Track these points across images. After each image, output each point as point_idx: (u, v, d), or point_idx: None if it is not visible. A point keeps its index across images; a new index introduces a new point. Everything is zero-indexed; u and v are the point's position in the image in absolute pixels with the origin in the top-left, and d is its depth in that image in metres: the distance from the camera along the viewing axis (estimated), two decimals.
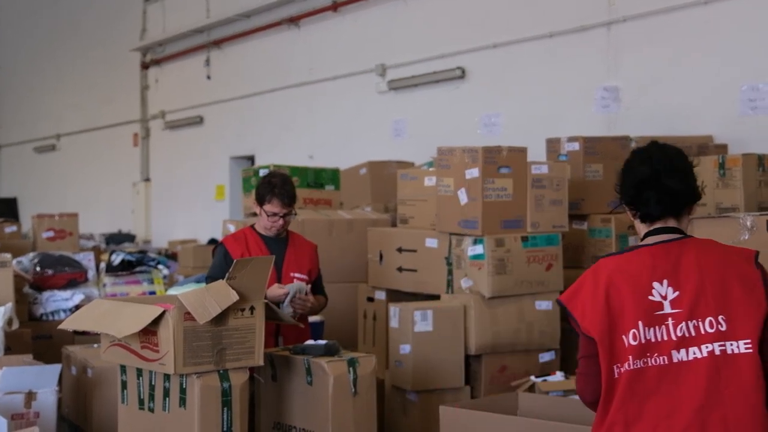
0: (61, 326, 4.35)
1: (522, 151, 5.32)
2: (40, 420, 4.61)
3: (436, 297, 5.44)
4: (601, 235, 5.80)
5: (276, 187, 4.77)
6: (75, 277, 7.22)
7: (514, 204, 5.25)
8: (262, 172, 6.38)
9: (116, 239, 13.62)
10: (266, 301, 4.16)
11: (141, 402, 4.09)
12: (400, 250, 5.69)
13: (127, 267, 7.31)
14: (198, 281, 7.42)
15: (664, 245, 2.62)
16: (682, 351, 2.52)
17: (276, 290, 4.66)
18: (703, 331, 2.53)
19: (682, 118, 7.33)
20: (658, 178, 2.63)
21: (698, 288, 2.55)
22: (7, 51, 20.63)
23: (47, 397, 4.66)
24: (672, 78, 7.59)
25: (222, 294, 3.91)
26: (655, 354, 2.53)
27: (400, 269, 5.68)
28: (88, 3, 17.22)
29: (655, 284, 2.57)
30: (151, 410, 4.05)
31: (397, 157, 8.69)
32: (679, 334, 2.53)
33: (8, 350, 5.76)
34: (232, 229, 6.45)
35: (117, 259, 7.34)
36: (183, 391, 3.93)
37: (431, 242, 5.49)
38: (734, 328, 2.52)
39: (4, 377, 4.61)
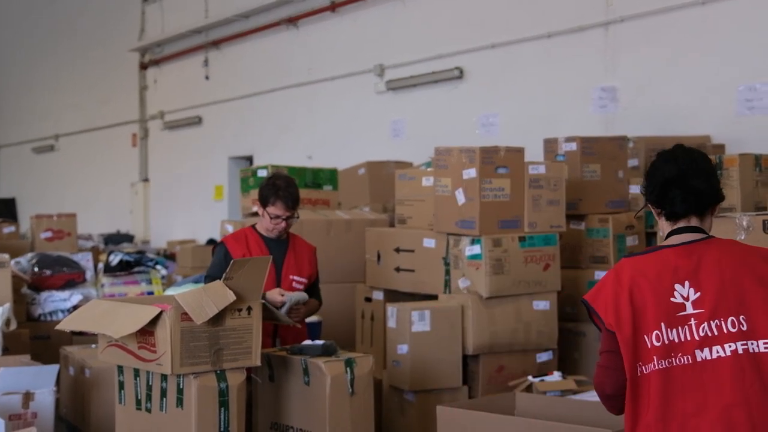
0: (58, 326, 4.35)
1: (519, 152, 5.32)
2: (37, 420, 4.61)
3: (434, 297, 5.44)
4: (599, 235, 5.80)
5: (280, 189, 4.75)
6: (73, 278, 7.22)
7: (512, 204, 5.26)
8: (261, 173, 6.38)
9: (115, 239, 13.62)
10: (263, 301, 4.16)
11: (138, 402, 4.10)
12: (397, 250, 5.69)
13: (125, 267, 7.32)
14: (196, 281, 7.41)
15: (686, 246, 2.69)
16: (706, 350, 2.59)
17: (276, 296, 4.64)
18: (725, 331, 2.59)
19: (680, 118, 7.34)
20: (683, 177, 2.71)
21: (719, 288, 2.62)
22: (6, 51, 20.63)
23: (45, 398, 4.67)
24: (669, 78, 7.59)
25: (219, 294, 3.91)
26: (680, 354, 2.60)
27: (397, 269, 5.69)
28: (87, 3, 17.23)
29: (677, 286, 2.64)
30: (149, 410, 4.05)
31: (396, 158, 8.70)
32: (701, 334, 2.59)
33: (6, 351, 5.77)
34: (230, 229, 6.45)
35: (115, 259, 7.34)
36: (180, 391, 3.93)
37: (429, 242, 5.49)
38: (755, 328, 2.59)
39: (1, 378, 4.61)
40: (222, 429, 3.96)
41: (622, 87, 7.97)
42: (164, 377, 3.96)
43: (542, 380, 4.86)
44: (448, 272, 5.39)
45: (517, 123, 8.78)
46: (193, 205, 14.09)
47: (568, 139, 5.89)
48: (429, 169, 5.86)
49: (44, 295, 7.02)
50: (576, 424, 3.84)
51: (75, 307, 6.76)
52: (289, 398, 4.39)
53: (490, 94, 9.24)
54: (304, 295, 4.78)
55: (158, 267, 7.49)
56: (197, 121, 14.09)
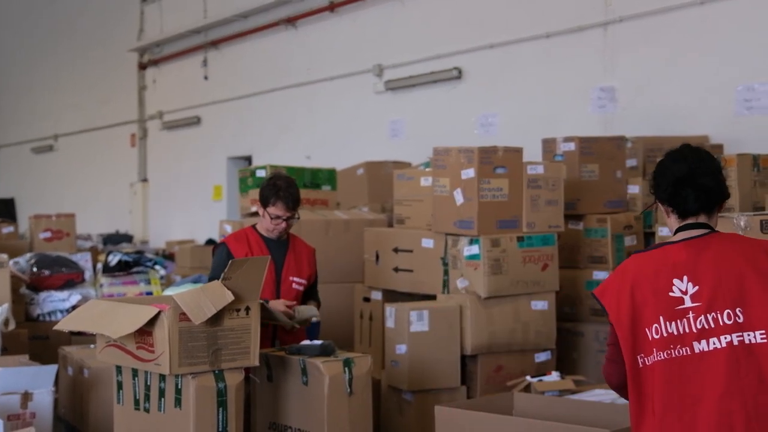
0: (57, 327, 4.36)
1: (517, 152, 5.33)
2: (36, 420, 4.61)
3: (432, 297, 5.44)
4: (597, 235, 5.81)
5: (281, 189, 4.74)
6: (72, 278, 7.21)
7: (510, 204, 5.26)
8: (259, 173, 6.38)
9: (114, 240, 13.62)
10: (262, 301, 4.16)
11: (136, 402, 4.10)
12: (396, 250, 5.69)
13: (124, 267, 7.30)
14: (195, 281, 7.41)
15: (688, 242, 2.79)
16: (703, 342, 2.67)
17: (279, 306, 4.61)
18: (721, 323, 2.67)
19: (678, 118, 7.34)
20: (694, 176, 2.79)
21: (716, 281, 2.71)
22: (5, 51, 20.62)
23: (43, 398, 4.66)
24: (668, 78, 7.60)
25: (217, 294, 3.91)
26: (678, 345, 2.69)
27: (396, 269, 5.69)
28: (86, 4, 17.23)
29: (676, 281, 2.73)
30: (147, 411, 4.06)
31: (395, 158, 8.70)
32: (699, 327, 2.68)
33: (5, 351, 5.76)
34: (228, 229, 6.45)
35: (114, 259, 7.33)
36: (178, 391, 3.93)
37: (427, 242, 5.49)
38: (751, 320, 2.67)
39: (0, 378, 4.61)
40: (220, 429, 3.96)
41: (620, 87, 7.97)
42: (162, 377, 3.96)
43: (540, 380, 4.86)
44: (446, 272, 5.39)
45: (515, 123, 8.78)
46: (192, 206, 14.10)
47: (567, 139, 5.90)
48: (427, 169, 5.86)
49: (43, 295, 7.01)
50: (574, 424, 3.84)
51: (74, 307, 6.75)
52: (287, 398, 4.39)
53: (489, 94, 9.24)
54: (313, 311, 4.77)
55: (157, 267, 7.47)
56: (196, 121, 14.09)
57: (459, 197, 5.23)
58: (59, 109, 18.41)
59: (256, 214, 5.14)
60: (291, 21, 11.87)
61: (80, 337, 6.15)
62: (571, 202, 5.76)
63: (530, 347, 5.40)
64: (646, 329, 2.72)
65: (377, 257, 5.81)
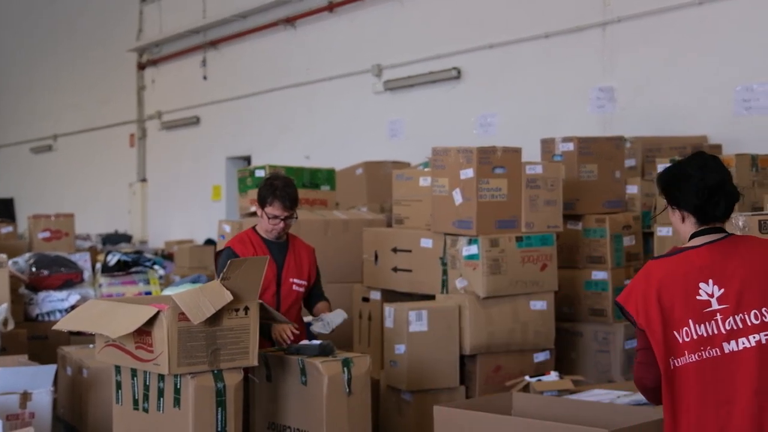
0: (55, 326, 4.36)
1: (516, 152, 5.33)
2: (35, 420, 4.61)
3: (431, 297, 5.45)
4: (596, 235, 5.81)
5: (278, 189, 4.72)
6: (71, 278, 7.21)
7: (509, 204, 5.27)
8: (258, 173, 6.38)
9: (113, 239, 13.62)
10: (260, 301, 4.16)
11: (135, 402, 4.10)
12: (395, 250, 5.70)
13: (122, 267, 7.31)
14: (194, 281, 7.42)
15: (710, 246, 2.89)
16: (732, 342, 2.79)
17: (287, 332, 4.52)
18: (749, 323, 2.79)
19: (677, 118, 7.35)
20: (724, 185, 2.92)
21: (742, 283, 2.82)
22: (4, 51, 20.62)
23: (42, 398, 4.66)
24: (667, 78, 7.61)
25: (216, 294, 3.91)
26: (708, 347, 2.80)
27: (395, 269, 5.69)
28: (85, 4, 17.23)
29: (702, 285, 2.84)
30: (146, 410, 4.06)
31: (394, 158, 8.71)
32: (728, 328, 2.80)
33: (4, 351, 5.77)
34: (227, 229, 6.45)
35: (113, 259, 7.33)
36: (177, 391, 3.93)
37: (426, 242, 5.50)
38: None
39: None
40: (219, 429, 3.96)
41: (619, 87, 7.98)
42: (161, 377, 3.97)
43: (539, 380, 4.86)
44: (445, 272, 5.39)
45: (515, 123, 8.79)
46: (191, 206, 14.10)
47: (566, 139, 5.90)
48: (426, 170, 5.87)
49: (42, 295, 7.02)
50: (573, 424, 3.84)
51: (72, 307, 6.75)
52: (286, 398, 4.39)
53: (488, 94, 9.25)
54: (341, 314, 4.76)
55: (156, 267, 7.48)
56: (195, 121, 14.09)
57: (458, 197, 5.23)
58: (58, 109, 18.41)
59: (255, 214, 5.13)
60: (290, 21, 11.88)
61: (79, 337, 6.15)
62: (570, 202, 5.77)
63: (529, 347, 5.40)
64: (675, 332, 2.82)
65: (376, 257, 5.82)
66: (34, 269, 7.09)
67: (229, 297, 3.92)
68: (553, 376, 4.94)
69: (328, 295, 5.13)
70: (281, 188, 4.73)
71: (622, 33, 7.97)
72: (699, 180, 2.91)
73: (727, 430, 2.77)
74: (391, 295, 5.68)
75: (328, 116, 11.43)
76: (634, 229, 5.94)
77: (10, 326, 5.76)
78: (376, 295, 5.81)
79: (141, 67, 15.52)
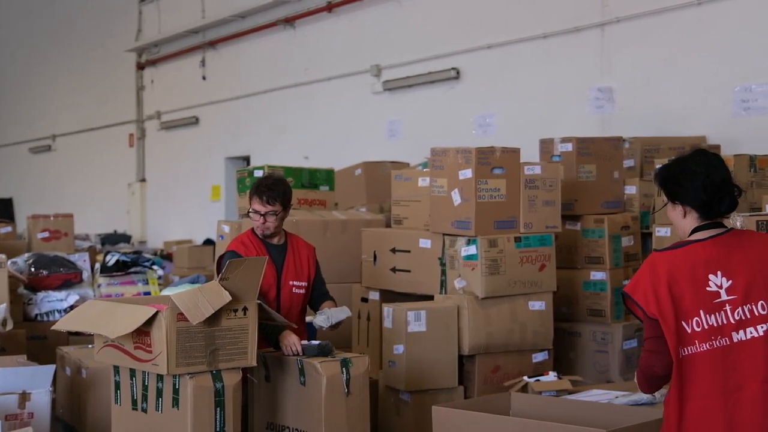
0: (54, 327, 4.36)
1: (515, 152, 5.33)
2: (34, 420, 4.61)
3: (430, 297, 5.45)
4: (594, 235, 5.82)
5: (260, 185, 4.71)
6: (70, 278, 7.21)
7: (507, 204, 5.27)
8: (257, 173, 6.38)
9: (112, 240, 13.63)
10: (259, 301, 4.16)
11: (134, 402, 4.10)
12: (393, 250, 5.70)
13: (121, 268, 7.30)
14: (193, 282, 7.43)
15: (714, 240, 2.99)
16: (741, 332, 2.91)
17: (295, 343, 4.48)
18: (756, 313, 2.92)
19: (676, 118, 7.36)
20: (728, 182, 3.03)
21: (749, 275, 2.94)
22: (4, 51, 20.62)
23: (41, 398, 4.66)
24: (665, 79, 7.61)
25: (215, 294, 3.92)
26: (719, 336, 2.91)
27: (394, 270, 5.69)
28: (84, 4, 17.23)
29: (711, 276, 2.94)
30: (144, 411, 4.06)
31: (393, 158, 8.71)
32: (736, 318, 2.92)
33: (3, 351, 5.77)
34: (226, 229, 6.45)
35: (112, 259, 7.33)
36: (176, 391, 3.94)
37: (425, 243, 5.50)
38: None
39: None
40: (218, 429, 3.97)
41: (618, 87, 7.99)
42: (160, 377, 3.97)
43: (538, 380, 4.86)
44: (444, 272, 5.40)
45: (513, 123, 8.79)
46: (190, 206, 14.10)
47: (564, 140, 5.90)
48: (425, 170, 5.87)
49: (41, 295, 7.02)
50: (571, 424, 3.84)
51: (71, 308, 6.76)
52: (285, 398, 4.40)
53: (487, 94, 9.26)
54: (345, 311, 4.75)
55: (155, 267, 7.48)
56: (194, 121, 14.10)
57: (456, 197, 5.24)
58: (57, 109, 18.41)
59: None
60: (289, 21, 11.88)
61: (78, 337, 6.15)
62: (569, 203, 5.77)
63: (527, 347, 5.41)
64: (683, 322, 2.92)
65: (375, 257, 5.82)
66: (33, 269, 7.09)
67: (227, 297, 3.92)
68: (551, 376, 4.94)
69: None
70: (263, 184, 4.72)
71: (621, 33, 7.97)
72: (705, 177, 2.99)
73: (736, 417, 2.87)
74: (390, 296, 5.68)
75: (327, 116, 11.43)
76: (633, 229, 5.94)
77: (9, 326, 5.77)
78: (374, 296, 5.81)
79: (140, 67, 15.52)
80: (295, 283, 4.82)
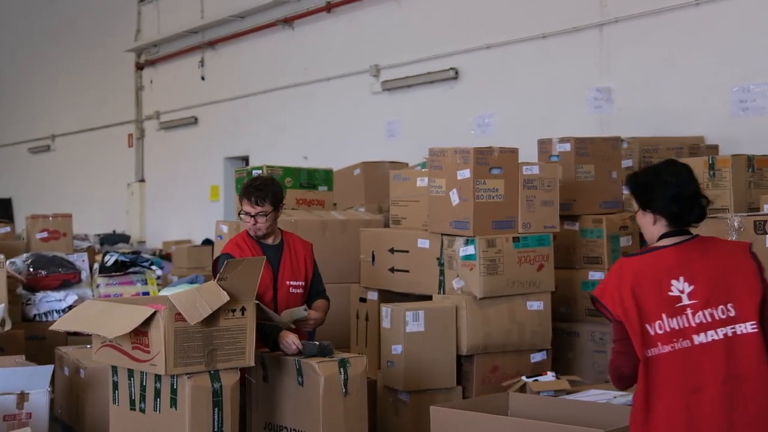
0: (53, 327, 4.37)
1: (513, 152, 5.34)
2: (32, 421, 4.61)
3: (428, 297, 5.45)
4: (593, 235, 5.81)
5: (249, 186, 4.71)
6: (68, 278, 7.21)
7: (506, 205, 5.27)
8: (255, 173, 6.38)
9: (111, 240, 13.62)
10: (257, 302, 4.16)
11: (132, 402, 4.11)
12: (392, 250, 5.70)
13: (120, 268, 7.30)
14: (191, 282, 7.42)
15: (679, 246, 3.11)
16: (702, 335, 3.02)
17: (291, 345, 4.48)
18: (717, 317, 3.03)
19: (674, 118, 7.36)
20: (698, 195, 3.16)
21: (709, 281, 3.05)
22: (3, 52, 20.62)
23: (39, 398, 4.67)
24: (664, 79, 7.61)
25: (213, 295, 3.92)
26: (680, 339, 3.03)
27: (392, 270, 5.69)
28: (83, 4, 17.22)
29: (673, 281, 3.06)
30: (143, 411, 4.06)
31: (391, 158, 8.71)
32: (697, 321, 3.03)
33: (1, 351, 5.78)
34: (225, 229, 6.45)
35: (110, 259, 7.33)
36: (174, 391, 3.94)
37: (423, 243, 5.50)
38: (740, 313, 3.03)
39: None
40: (216, 429, 3.97)
41: (616, 88, 7.99)
42: (158, 377, 3.97)
43: (536, 380, 4.87)
44: (442, 273, 5.40)
45: (512, 123, 8.79)
46: (189, 206, 14.09)
47: (563, 140, 5.90)
48: (423, 170, 5.87)
49: (39, 295, 7.02)
50: (569, 425, 3.85)
51: (70, 308, 6.76)
52: (283, 399, 4.40)
53: (486, 94, 9.26)
54: (300, 312, 4.71)
55: (153, 267, 7.47)
56: (193, 121, 14.09)
57: (455, 198, 5.24)
58: (57, 110, 18.41)
59: None
60: (288, 21, 11.88)
61: (77, 338, 6.15)
62: (567, 203, 5.77)
63: (526, 347, 5.41)
64: (648, 325, 3.03)
65: (373, 258, 5.82)
66: (31, 269, 7.09)
67: (225, 297, 3.92)
68: (549, 376, 4.94)
69: None
70: (251, 185, 4.72)
71: (619, 34, 7.98)
72: (676, 188, 3.13)
73: (697, 416, 2.99)
74: (389, 296, 5.69)
75: (326, 116, 11.43)
76: (631, 229, 5.94)
77: (8, 326, 5.77)
78: (373, 296, 5.81)
79: (139, 67, 15.52)
80: (292, 283, 4.82)
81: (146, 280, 7.32)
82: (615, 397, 4.34)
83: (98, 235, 13.88)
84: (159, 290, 7.17)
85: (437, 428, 4.21)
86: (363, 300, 5.89)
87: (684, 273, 3.07)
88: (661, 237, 3.17)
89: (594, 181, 5.88)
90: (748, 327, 3.03)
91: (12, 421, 4.58)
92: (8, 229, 8.44)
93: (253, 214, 4.71)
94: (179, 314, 3.85)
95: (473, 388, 5.24)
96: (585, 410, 4.18)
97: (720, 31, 7.23)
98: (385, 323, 5.21)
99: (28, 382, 4.67)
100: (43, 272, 7.11)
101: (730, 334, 3.03)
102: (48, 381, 4.74)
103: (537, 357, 5.43)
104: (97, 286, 7.23)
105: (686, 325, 3.04)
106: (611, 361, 3.19)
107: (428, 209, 5.46)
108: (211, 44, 13.46)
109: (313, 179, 6.67)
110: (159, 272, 7.66)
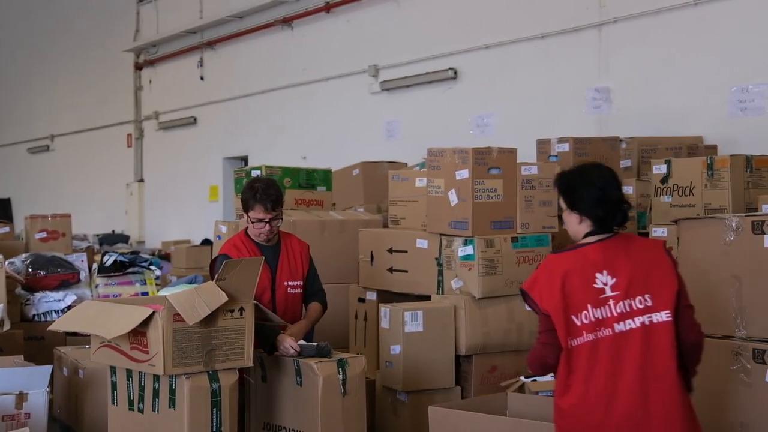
0: (51, 327, 4.37)
1: (512, 152, 5.34)
2: (31, 421, 4.61)
3: (427, 297, 5.45)
4: None
5: (258, 192, 4.67)
6: (67, 278, 7.21)
7: (504, 205, 5.27)
8: (254, 173, 6.38)
9: (110, 240, 13.62)
10: (256, 302, 4.17)
11: (131, 403, 4.11)
12: (391, 250, 5.70)
13: (119, 268, 7.30)
14: (190, 282, 7.41)
15: (602, 243, 3.36)
16: (622, 323, 3.27)
17: (289, 348, 4.46)
18: (635, 307, 3.28)
19: (673, 118, 7.36)
20: (622, 198, 3.41)
21: (630, 274, 3.30)
22: (2, 52, 20.61)
23: (38, 398, 4.67)
24: (662, 79, 7.62)
25: (211, 295, 3.92)
26: (603, 328, 3.27)
27: (391, 270, 5.69)
28: (82, 4, 17.22)
29: (598, 275, 3.31)
30: (141, 411, 4.07)
31: (390, 158, 8.70)
32: (618, 311, 3.28)
33: (0, 351, 5.77)
34: (224, 229, 6.45)
35: (109, 260, 7.32)
36: (172, 391, 3.94)
37: (422, 243, 5.50)
38: (657, 303, 3.28)
39: None
40: (214, 429, 3.97)
41: (615, 88, 7.99)
42: (156, 378, 3.97)
43: (534, 380, 4.86)
44: (440, 273, 5.40)
45: (511, 124, 8.80)
46: (188, 206, 14.09)
47: (561, 140, 5.91)
48: (422, 170, 5.87)
49: (38, 295, 7.02)
50: None
51: (69, 308, 6.76)
52: (281, 399, 4.40)
53: (485, 94, 9.26)
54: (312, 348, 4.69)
55: (152, 267, 7.47)
56: (192, 121, 14.09)
57: (453, 198, 5.24)
58: (56, 110, 18.41)
59: None
60: (287, 21, 11.88)
61: (75, 338, 6.16)
62: None
63: (524, 347, 5.39)
64: (573, 316, 3.27)
65: (372, 258, 5.82)
66: (30, 270, 7.09)
67: (224, 298, 3.93)
68: (548, 376, 4.94)
69: None
70: (262, 190, 4.68)
71: (618, 34, 7.98)
72: (602, 192, 3.36)
73: (615, 399, 3.22)
74: (387, 296, 5.69)
75: (324, 117, 11.43)
76: (630, 229, 5.92)
77: (6, 327, 5.77)
78: (371, 296, 5.81)
79: (138, 67, 15.52)
80: (289, 283, 4.82)
81: (145, 280, 7.32)
82: None
83: (97, 235, 13.87)
84: (158, 290, 7.17)
85: (436, 428, 4.21)
86: (362, 300, 5.89)
87: (607, 267, 3.30)
88: (586, 235, 3.40)
89: None
90: (663, 316, 3.27)
91: (11, 421, 4.58)
92: (7, 229, 8.44)
93: (267, 220, 4.70)
94: (178, 314, 3.85)
95: (472, 388, 5.24)
96: None
97: (719, 31, 7.23)
98: (384, 323, 5.21)
99: (26, 383, 4.67)
100: (42, 272, 7.11)
101: (647, 323, 3.27)
102: (47, 381, 4.74)
103: None
104: (96, 286, 7.23)
105: (608, 315, 3.27)
106: (535, 351, 3.41)
107: (427, 209, 5.46)
108: (210, 44, 13.46)
109: (311, 179, 6.67)
110: (158, 272, 7.65)
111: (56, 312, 6.90)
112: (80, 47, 17.34)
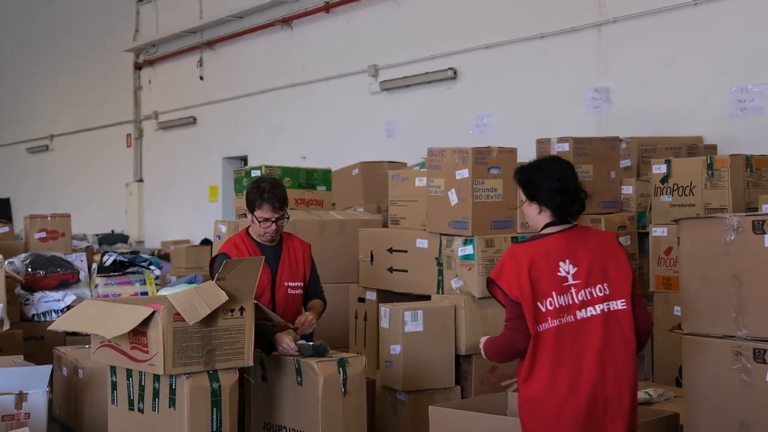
0: (51, 327, 4.37)
1: (512, 152, 5.34)
2: (30, 421, 4.61)
3: (427, 297, 5.45)
4: None
5: (265, 191, 4.66)
6: (67, 278, 7.21)
7: (504, 204, 5.27)
8: (254, 173, 6.38)
9: (109, 240, 13.63)
10: (256, 302, 4.16)
11: (131, 403, 4.11)
12: (390, 250, 5.70)
13: (119, 268, 7.29)
14: (190, 282, 7.41)
15: (563, 234, 3.54)
16: (583, 310, 3.46)
17: (289, 345, 4.46)
18: (595, 295, 3.47)
19: (673, 118, 7.37)
20: (579, 189, 3.56)
21: (589, 263, 3.48)
22: (2, 51, 20.61)
23: (38, 398, 4.67)
24: (662, 79, 7.62)
25: (211, 294, 3.92)
26: (566, 314, 3.45)
27: (391, 270, 5.70)
28: (82, 4, 17.22)
29: (561, 263, 3.48)
30: (141, 411, 4.06)
31: (390, 158, 8.71)
32: (580, 299, 3.46)
33: (0, 351, 5.77)
34: (223, 229, 6.45)
35: (109, 259, 7.32)
36: (172, 391, 3.94)
37: (422, 243, 5.50)
38: (614, 292, 3.48)
39: None
40: (214, 429, 3.97)
41: (615, 88, 7.99)
42: (156, 377, 3.97)
43: None
44: (440, 272, 5.40)
45: (511, 123, 8.80)
46: (188, 206, 14.10)
47: (561, 140, 5.90)
48: (422, 170, 5.87)
49: (38, 295, 7.01)
50: None
51: (69, 308, 6.75)
52: (281, 398, 4.40)
53: (484, 94, 9.26)
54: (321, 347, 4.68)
55: (152, 267, 7.46)
56: (192, 121, 14.09)
57: (453, 197, 5.24)
58: (55, 110, 18.41)
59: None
60: (286, 21, 11.88)
61: (75, 338, 6.15)
62: None
63: None
64: (539, 303, 3.43)
65: (372, 257, 5.82)
66: (30, 269, 7.08)
67: (224, 297, 3.92)
68: None
69: (324, 295, 5.11)
70: (269, 190, 4.68)
71: (618, 34, 7.98)
72: (560, 182, 3.52)
73: (578, 381, 3.40)
74: (387, 296, 5.69)
75: (324, 116, 11.43)
76: (630, 229, 5.94)
77: (6, 326, 5.77)
78: (371, 296, 5.81)
79: (138, 67, 15.52)
80: (290, 284, 4.81)
81: (145, 280, 7.31)
82: None
83: (97, 235, 13.88)
84: (157, 290, 7.16)
85: (436, 428, 4.21)
86: (362, 300, 5.89)
87: (569, 256, 3.47)
88: (546, 226, 3.56)
89: (593, 181, 5.87)
90: (619, 304, 3.47)
91: (10, 421, 4.58)
92: (7, 229, 8.44)
93: (274, 219, 4.70)
94: (178, 314, 3.85)
95: (472, 387, 5.24)
96: None
97: (718, 32, 7.23)
98: (384, 323, 5.21)
99: (26, 382, 4.67)
100: (42, 272, 7.11)
101: (606, 310, 3.46)
102: (46, 381, 4.74)
103: None
104: (96, 286, 7.22)
105: (571, 302, 3.45)
106: (505, 338, 3.54)
107: (427, 209, 5.46)
108: (210, 44, 13.46)
109: (311, 179, 6.66)
110: (157, 272, 7.64)
111: (56, 312, 6.89)
112: (80, 47, 17.34)
